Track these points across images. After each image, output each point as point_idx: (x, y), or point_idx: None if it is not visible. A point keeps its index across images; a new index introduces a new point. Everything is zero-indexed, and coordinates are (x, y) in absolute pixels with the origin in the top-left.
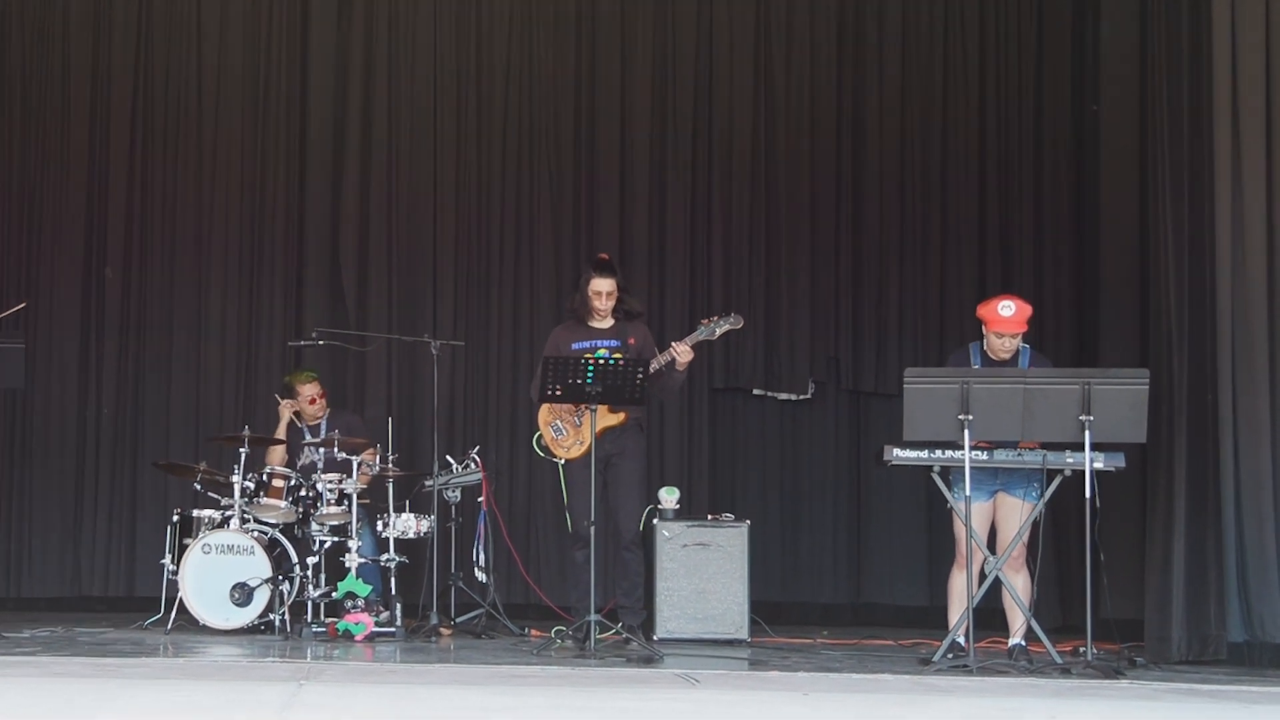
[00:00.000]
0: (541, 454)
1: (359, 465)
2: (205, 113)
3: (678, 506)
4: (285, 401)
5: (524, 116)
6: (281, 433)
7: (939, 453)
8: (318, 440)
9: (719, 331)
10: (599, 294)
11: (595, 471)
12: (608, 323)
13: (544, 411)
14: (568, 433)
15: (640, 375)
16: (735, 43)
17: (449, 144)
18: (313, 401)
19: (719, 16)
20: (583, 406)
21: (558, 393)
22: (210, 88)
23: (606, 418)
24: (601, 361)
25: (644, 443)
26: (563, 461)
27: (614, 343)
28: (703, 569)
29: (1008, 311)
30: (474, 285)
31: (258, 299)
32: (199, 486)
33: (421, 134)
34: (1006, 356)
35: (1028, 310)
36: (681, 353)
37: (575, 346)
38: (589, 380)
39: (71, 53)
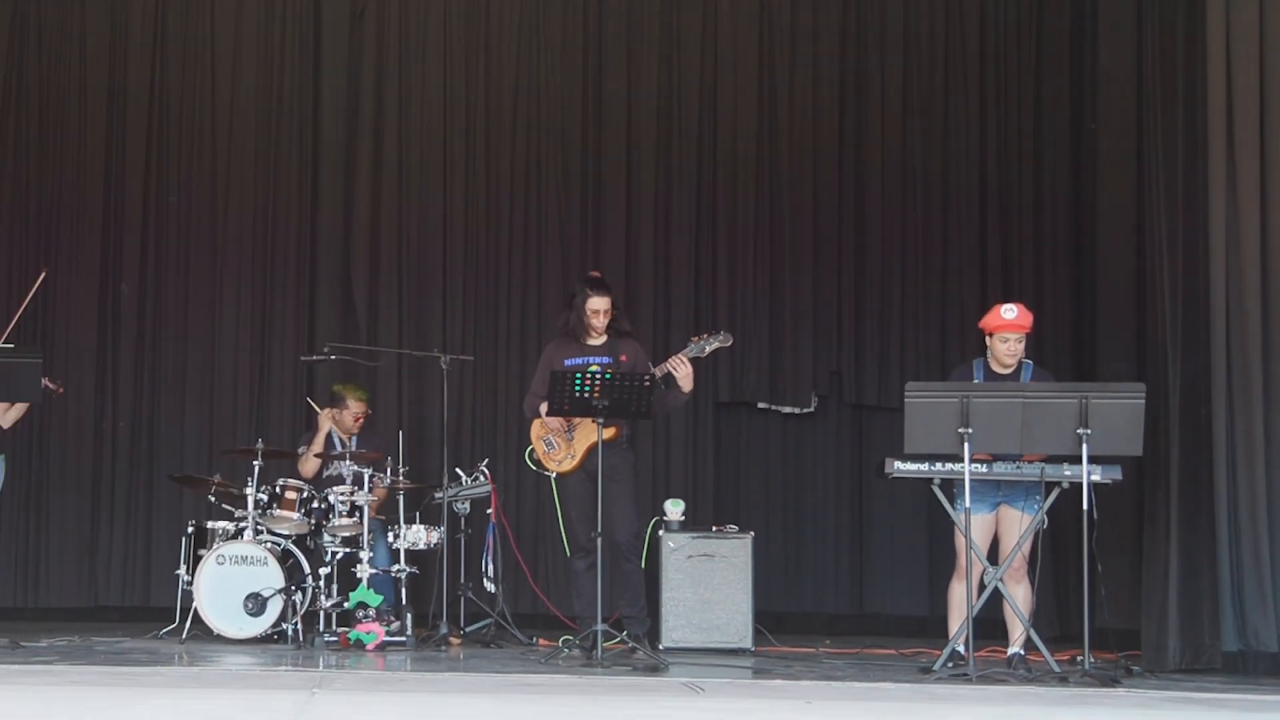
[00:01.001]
0: (534, 467)
1: (370, 478)
2: (219, 131)
3: (683, 518)
4: (326, 411)
5: (531, 135)
6: (320, 445)
7: (939, 465)
8: (341, 453)
9: (709, 349)
10: (596, 312)
11: (598, 481)
12: (600, 340)
13: (535, 426)
14: (559, 446)
15: (648, 383)
16: (739, 62)
17: (459, 163)
18: (358, 420)
19: (723, 35)
20: (575, 421)
21: (565, 407)
22: (224, 107)
23: (601, 431)
24: (608, 376)
25: (633, 459)
26: (554, 475)
27: (606, 359)
28: (707, 579)
29: (1010, 314)
30: (483, 301)
31: (271, 314)
32: (213, 499)
33: (431, 153)
34: (1011, 363)
35: (1029, 314)
36: (682, 372)
37: (568, 363)
38: (594, 392)
39: (88, 73)
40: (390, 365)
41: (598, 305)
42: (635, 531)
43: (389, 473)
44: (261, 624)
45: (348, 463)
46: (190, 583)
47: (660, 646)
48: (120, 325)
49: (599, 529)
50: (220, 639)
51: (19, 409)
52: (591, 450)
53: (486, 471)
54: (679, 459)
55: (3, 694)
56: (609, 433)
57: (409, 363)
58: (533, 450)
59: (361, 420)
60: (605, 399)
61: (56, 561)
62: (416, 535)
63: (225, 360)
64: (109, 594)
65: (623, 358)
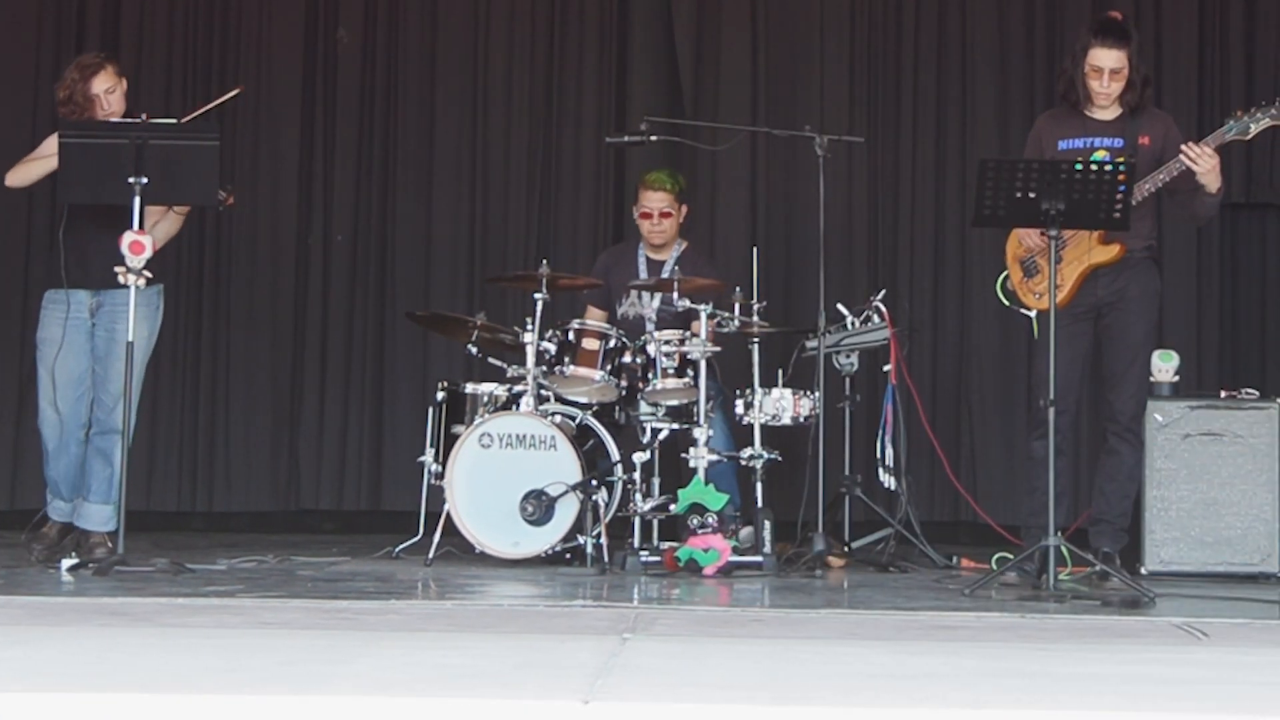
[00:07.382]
0: (1007, 303)
1: (709, 318)
2: None
3: (1176, 379)
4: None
5: None
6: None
7: None
8: (649, 282)
9: (1255, 129)
10: (1100, 71)
11: (1073, 326)
12: (1112, 112)
13: (1012, 244)
14: (1041, 271)
15: (1121, 173)
16: None
17: None
18: (656, 218)
19: None
20: (1067, 235)
21: (999, 211)
22: None
23: (1095, 251)
24: (1077, 167)
25: (1158, 284)
26: (1034, 314)
27: (1118, 142)
28: (1213, 471)
29: None
30: (882, 67)
31: (562, 74)
32: (474, 349)
33: None
34: None
35: None
36: (1199, 157)
37: (1064, 146)
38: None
39: None
40: (740, 150)
41: (1102, 61)
42: (1144, 395)
43: (736, 310)
44: (547, 537)
45: (654, 298)
46: (440, 475)
47: (1142, 571)
48: (335, 90)
49: (1051, 393)
50: (485, 559)
51: (173, 221)
52: (1086, 278)
53: (883, 308)
54: (1173, 291)
55: (161, 643)
56: (1110, 252)
57: (767, 145)
58: (1006, 278)
59: (667, 220)
60: (1061, 199)
61: (239, 445)
62: (779, 405)
63: (493, 140)
64: (316, 493)
65: (1144, 139)
